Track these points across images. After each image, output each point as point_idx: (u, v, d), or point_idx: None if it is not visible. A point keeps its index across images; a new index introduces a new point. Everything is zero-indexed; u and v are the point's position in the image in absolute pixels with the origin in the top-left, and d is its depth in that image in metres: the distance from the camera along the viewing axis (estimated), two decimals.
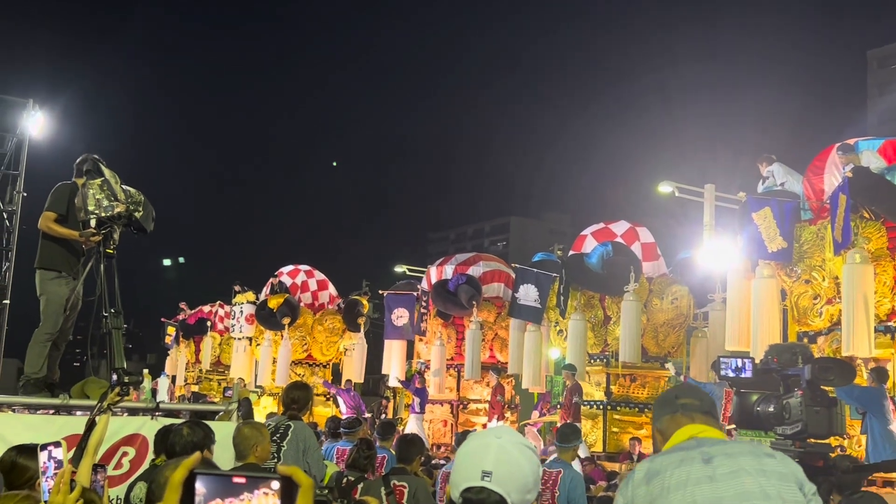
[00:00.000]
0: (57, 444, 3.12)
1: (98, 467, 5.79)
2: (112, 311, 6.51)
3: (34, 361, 6.84)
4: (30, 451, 3.72)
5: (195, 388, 27.24)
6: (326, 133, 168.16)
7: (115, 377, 5.57)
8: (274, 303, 22.68)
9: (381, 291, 23.66)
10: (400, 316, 22.08)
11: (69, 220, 6.88)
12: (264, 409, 21.12)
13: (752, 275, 12.74)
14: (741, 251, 12.94)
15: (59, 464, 3.04)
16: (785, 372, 4.70)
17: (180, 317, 30.39)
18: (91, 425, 4.73)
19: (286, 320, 22.35)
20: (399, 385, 21.88)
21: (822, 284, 11.95)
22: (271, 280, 24.61)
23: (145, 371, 8.49)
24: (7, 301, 12.76)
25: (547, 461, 7.61)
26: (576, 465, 8.44)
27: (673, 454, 2.66)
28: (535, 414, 19.06)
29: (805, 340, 11.94)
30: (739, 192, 13.63)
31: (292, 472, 1.41)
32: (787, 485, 2.53)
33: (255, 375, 23.63)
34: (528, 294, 17.82)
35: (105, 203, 6.50)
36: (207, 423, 5.24)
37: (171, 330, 31.16)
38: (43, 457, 3.10)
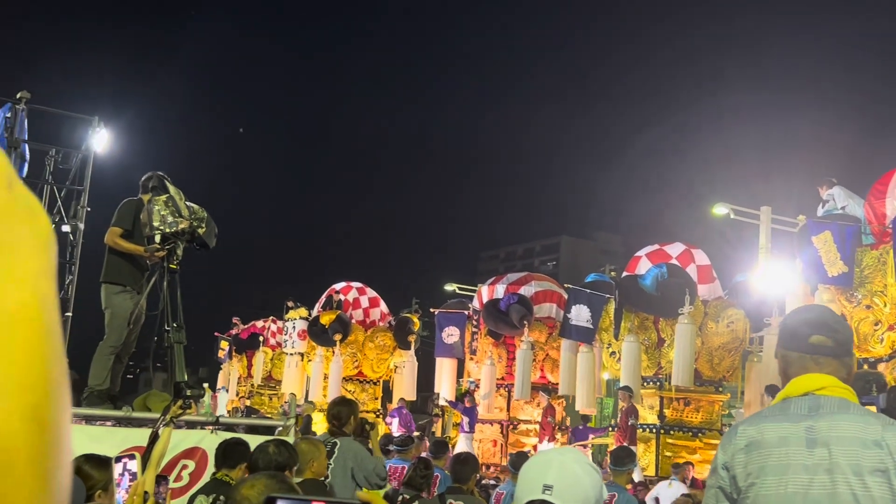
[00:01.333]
0: (131, 457, 3.18)
1: (161, 479, 5.87)
2: (174, 325, 6.61)
3: (98, 374, 6.96)
4: (96, 460, 3.81)
5: (247, 403, 27.47)
6: (379, 151, 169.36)
7: (179, 391, 5.64)
8: (326, 319, 22.80)
9: (432, 309, 23.67)
10: (451, 334, 22.07)
11: (135, 236, 7.02)
12: (314, 424, 21.21)
13: (811, 299, 12.52)
14: (800, 275, 12.73)
15: (134, 476, 3.09)
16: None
17: (233, 331, 30.69)
18: (154, 438, 4.80)
19: (338, 336, 22.43)
20: (447, 404, 21.84)
21: (884, 310, 11.71)
22: (324, 296, 24.76)
23: (206, 385, 8.59)
24: (69, 314, 13.02)
25: None
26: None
27: (779, 422, 2.57)
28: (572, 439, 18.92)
29: (865, 367, 11.69)
30: (798, 215, 13.44)
31: (371, 497, 1.42)
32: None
33: (307, 391, 23.75)
34: (580, 315, 17.71)
35: (170, 219, 6.62)
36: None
37: (224, 344, 31.47)
38: (118, 468, 3.15)
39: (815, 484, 2.43)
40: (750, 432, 2.61)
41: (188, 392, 5.63)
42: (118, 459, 3.13)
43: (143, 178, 7.27)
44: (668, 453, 16.06)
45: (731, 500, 2.61)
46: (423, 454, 11.04)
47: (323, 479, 5.74)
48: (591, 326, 17.58)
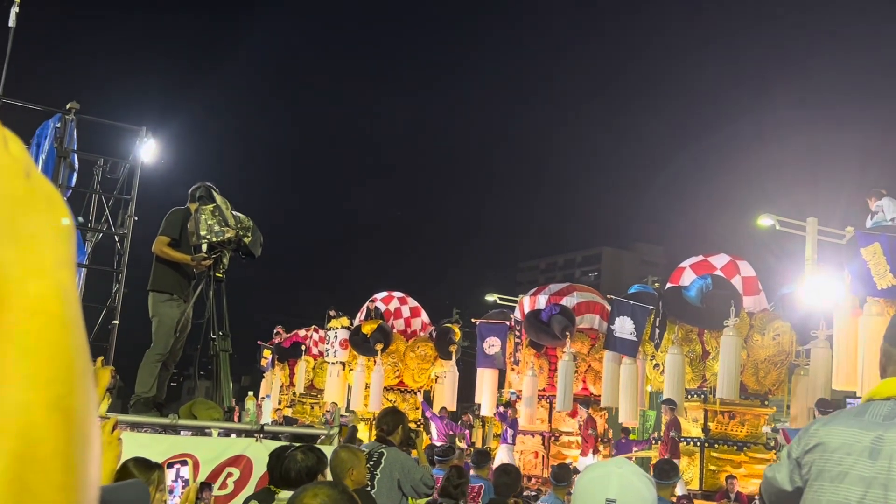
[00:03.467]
0: (184, 463, 3.20)
1: (204, 486, 5.91)
2: (220, 333, 6.67)
3: (145, 381, 7.02)
4: (143, 462, 3.93)
5: (288, 412, 27.61)
6: (421, 161, 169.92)
7: (233, 401, 5.66)
8: (368, 328, 22.87)
9: (473, 320, 23.63)
10: (492, 345, 22.01)
11: (182, 245, 7.08)
12: (359, 434, 21.27)
13: (859, 311, 12.30)
14: (848, 287, 12.52)
15: (186, 482, 3.11)
16: None
17: (276, 340, 30.89)
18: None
19: (379, 346, 22.49)
20: (488, 415, 21.77)
21: None
22: (366, 306, 24.85)
23: (250, 393, 8.62)
24: (116, 322, 13.18)
25: None
26: None
27: (848, 427, 2.48)
28: (614, 452, 18.75)
29: None
30: (845, 226, 13.24)
31: None
32: None
33: (348, 400, 23.84)
34: (623, 327, 17.56)
35: (216, 228, 6.68)
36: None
37: (266, 353, 31.69)
38: (171, 474, 3.18)
39: (867, 497, 2.36)
40: (821, 433, 2.54)
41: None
42: (171, 465, 3.16)
43: (191, 189, 7.34)
44: (712, 467, 15.85)
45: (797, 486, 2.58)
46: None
47: (365, 487, 5.72)
48: (635, 339, 17.42)
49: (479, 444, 22.56)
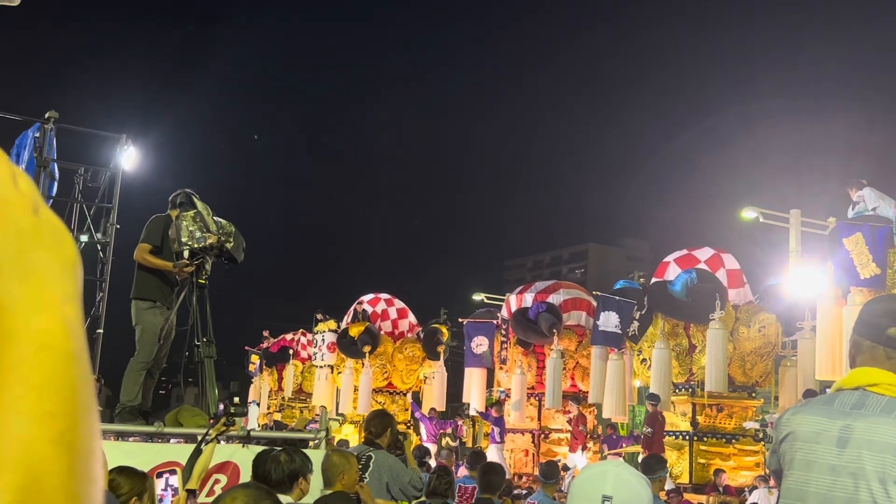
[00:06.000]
0: (173, 472, 3.21)
1: (189, 493, 5.90)
2: (204, 339, 6.65)
3: (130, 389, 6.99)
4: (129, 471, 3.97)
5: (277, 417, 27.56)
6: (404, 161, 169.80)
7: (221, 408, 5.66)
8: (355, 331, 22.84)
9: (460, 319, 23.65)
10: (480, 344, 22.05)
11: (164, 252, 7.05)
12: (345, 437, 21.24)
13: (843, 302, 12.40)
14: (831, 278, 12.61)
15: (175, 490, 3.13)
16: None
17: (263, 345, 30.85)
18: (196, 454, 4.83)
19: (367, 348, 22.47)
20: (477, 414, 21.79)
21: None
22: (353, 308, 24.83)
23: (236, 399, 8.55)
24: (100, 331, 13.14)
25: None
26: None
27: (816, 416, 2.50)
28: (604, 448, 18.83)
29: None
30: (828, 217, 13.32)
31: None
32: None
33: (337, 403, 23.80)
34: (608, 320, 17.63)
35: (198, 234, 6.66)
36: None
37: (254, 358, 31.64)
38: (160, 484, 3.20)
39: (836, 486, 2.38)
40: (792, 423, 2.57)
41: (232, 409, 5.64)
42: (160, 475, 3.18)
43: (172, 196, 7.32)
44: (701, 460, 15.93)
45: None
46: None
47: (353, 493, 5.72)
48: (619, 331, 17.48)
49: (469, 444, 22.58)
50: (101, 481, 0.56)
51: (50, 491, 0.51)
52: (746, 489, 14.58)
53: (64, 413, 0.53)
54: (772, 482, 12.46)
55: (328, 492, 5.22)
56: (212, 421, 5.58)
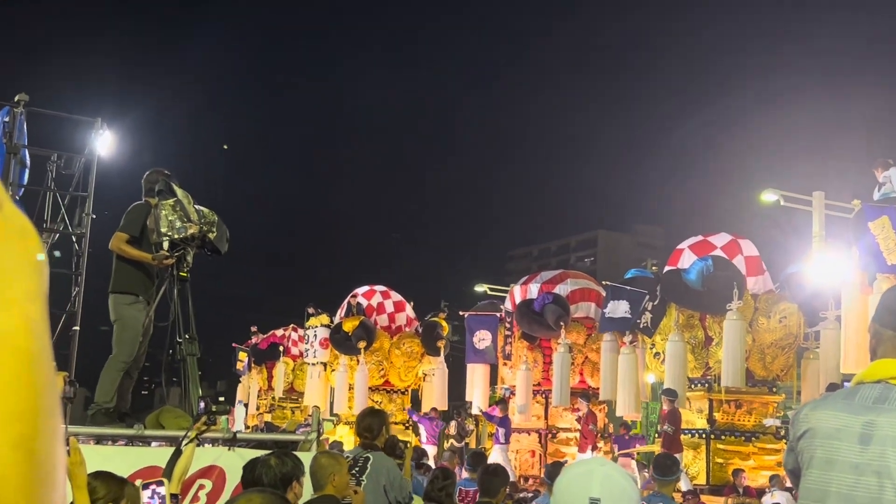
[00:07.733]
0: (160, 483, 3.24)
1: (173, 497, 5.91)
2: (186, 336, 6.64)
3: (106, 390, 6.95)
4: (105, 475, 4.00)
5: (268, 417, 27.60)
6: (401, 145, 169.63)
7: (202, 405, 5.65)
8: (349, 326, 22.81)
9: (461, 312, 23.65)
10: (482, 339, 22.04)
11: (143, 243, 7.01)
12: (340, 438, 21.26)
13: (869, 290, 12.40)
14: (856, 264, 12.61)
15: (163, 500, 3.16)
16: None
17: (252, 341, 30.82)
18: (176, 455, 4.85)
19: (362, 344, 22.43)
20: (482, 414, 21.79)
21: None
22: (346, 301, 24.80)
23: (221, 399, 8.63)
24: (77, 328, 13.11)
25: (646, 496, 7.46)
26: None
27: (837, 411, 2.49)
28: (615, 448, 18.87)
29: None
30: (853, 199, 13.32)
31: None
32: None
33: (331, 403, 23.79)
34: (617, 308, 17.60)
35: (178, 224, 6.64)
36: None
37: (242, 356, 31.61)
38: (146, 494, 3.22)
39: (860, 486, 2.37)
40: (810, 419, 2.56)
41: (213, 408, 5.64)
42: (146, 486, 3.21)
43: (145, 177, 7.27)
44: (719, 460, 15.94)
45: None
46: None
47: (346, 498, 5.73)
48: (628, 316, 17.39)
49: (472, 445, 22.60)
50: (62, 487, 0.56)
51: (8, 496, 0.52)
52: (767, 489, 14.61)
53: (24, 416, 0.54)
54: (787, 482, 12.48)
55: (317, 495, 5.23)
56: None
